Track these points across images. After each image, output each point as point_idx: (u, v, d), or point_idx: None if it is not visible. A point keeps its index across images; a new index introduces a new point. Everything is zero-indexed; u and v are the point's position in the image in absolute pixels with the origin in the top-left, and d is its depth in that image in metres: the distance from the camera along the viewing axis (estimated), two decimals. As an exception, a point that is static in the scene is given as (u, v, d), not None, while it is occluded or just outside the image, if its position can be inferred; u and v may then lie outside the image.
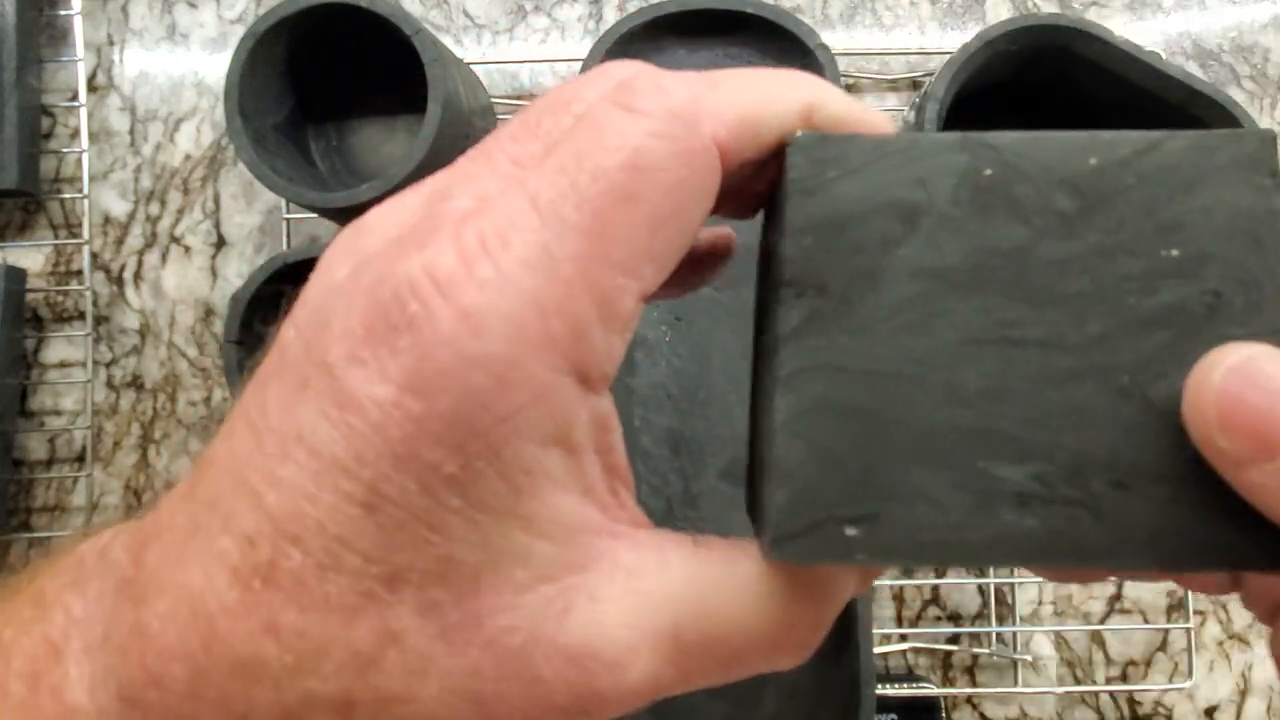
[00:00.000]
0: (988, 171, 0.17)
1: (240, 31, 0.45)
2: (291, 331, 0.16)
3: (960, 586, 0.52)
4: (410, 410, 0.14)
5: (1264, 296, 0.16)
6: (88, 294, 0.54)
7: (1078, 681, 0.52)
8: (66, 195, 0.55)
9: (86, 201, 0.54)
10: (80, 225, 0.54)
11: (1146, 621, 0.52)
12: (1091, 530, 0.16)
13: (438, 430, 0.14)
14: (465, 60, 0.52)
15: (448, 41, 0.55)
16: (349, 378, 0.14)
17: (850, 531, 0.16)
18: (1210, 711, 0.52)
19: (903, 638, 0.52)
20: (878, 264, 0.17)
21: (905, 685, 0.50)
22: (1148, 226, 0.16)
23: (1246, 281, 0.16)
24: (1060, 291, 0.16)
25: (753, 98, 0.17)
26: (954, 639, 0.52)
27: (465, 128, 0.46)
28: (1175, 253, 0.16)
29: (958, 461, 0.16)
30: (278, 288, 0.43)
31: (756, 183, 0.19)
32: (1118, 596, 0.52)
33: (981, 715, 0.52)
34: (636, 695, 0.16)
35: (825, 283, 0.17)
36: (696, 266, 0.22)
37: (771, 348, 0.17)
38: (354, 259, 0.16)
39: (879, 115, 0.19)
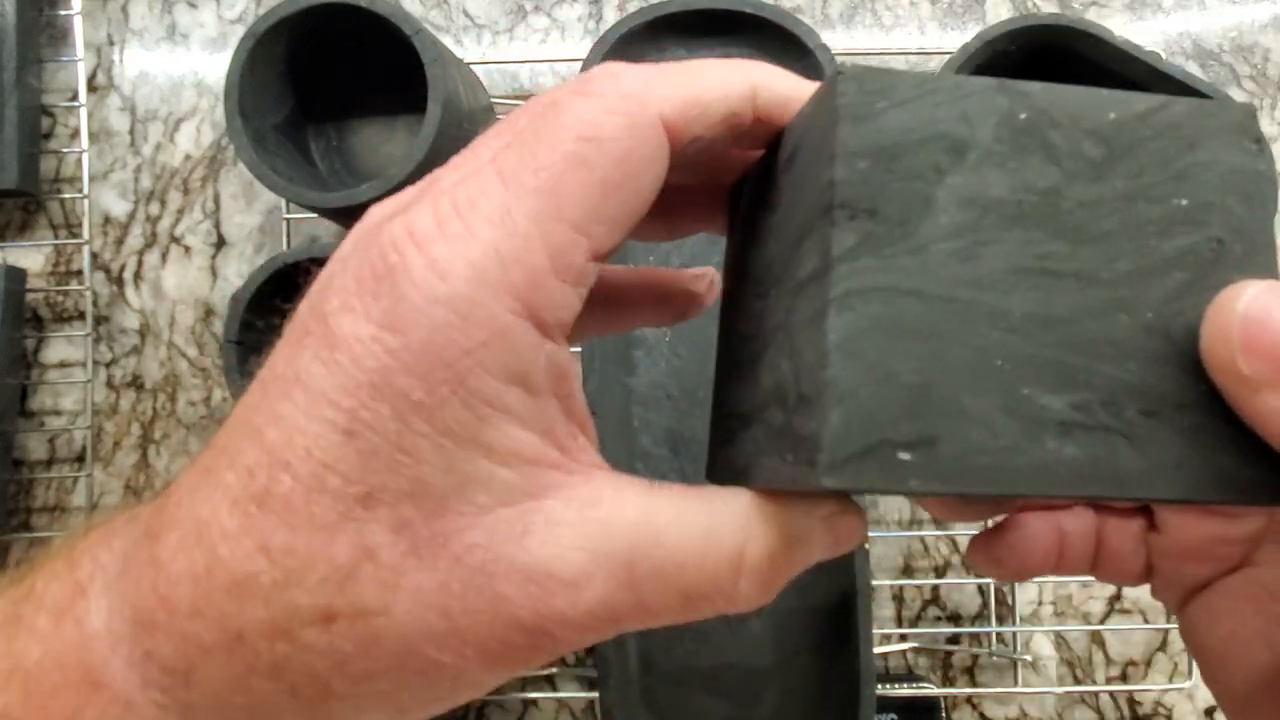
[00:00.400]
0: (1023, 115, 0.18)
1: (240, 31, 0.45)
2: (304, 303, 0.18)
3: (960, 586, 0.52)
4: (387, 343, 0.16)
5: (1256, 247, 0.18)
6: (88, 294, 0.54)
7: (1078, 681, 0.52)
8: (66, 195, 0.55)
9: (86, 201, 0.54)
10: (80, 225, 0.54)
11: (1146, 621, 0.52)
12: (1129, 458, 0.17)
13: (408, 360, 0.16)
14: (465, 60, 0.52)
15: (448, 41, 0.55)
16: (340, 323, 0.17)
17: (904, 456, 0.16)
18: (1210, 711, 0.52)
19: (903, 638, 0.52)
20: (929, 191, 0.17)
21: (905, 685, 0.50)
22: (1163, 175, 0.18)
23: (1242, 231, 0.18)
24: (1093, 230, 0.17)
25: (698, 81, 0.19)
26: (954, 639, 0.52)
27: (465, 128, 0.46)
28: (1185, 202, 0.17)
29: (1006, 387, 0.17)
30: (278, 288, 0.43)
31: (730, 159, 0.21)
32: (1118, 596, 0.52)
33: (981, 715, 0.52)
34: (594, 616, 0.17)
35: (878, 207, 0.17)
36: (672, 301, 0.25)
37: (813, 277, 0.17)
38: (356, 235, 0.18)
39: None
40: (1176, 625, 0.23)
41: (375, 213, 0.19)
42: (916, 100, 0.17)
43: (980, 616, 0.52)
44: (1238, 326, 0.16)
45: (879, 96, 0.17)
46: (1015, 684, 0.51)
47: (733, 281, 0.23)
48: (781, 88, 0.20)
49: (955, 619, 0.52)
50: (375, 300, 0.16)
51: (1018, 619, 0.51)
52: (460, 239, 0.16)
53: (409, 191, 0.19)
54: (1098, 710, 0.52)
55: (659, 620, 0.18)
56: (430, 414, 0.16)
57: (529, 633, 0.17)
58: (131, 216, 0.55)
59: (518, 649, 0.17)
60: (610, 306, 0.24)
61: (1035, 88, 0.18)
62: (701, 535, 0.18)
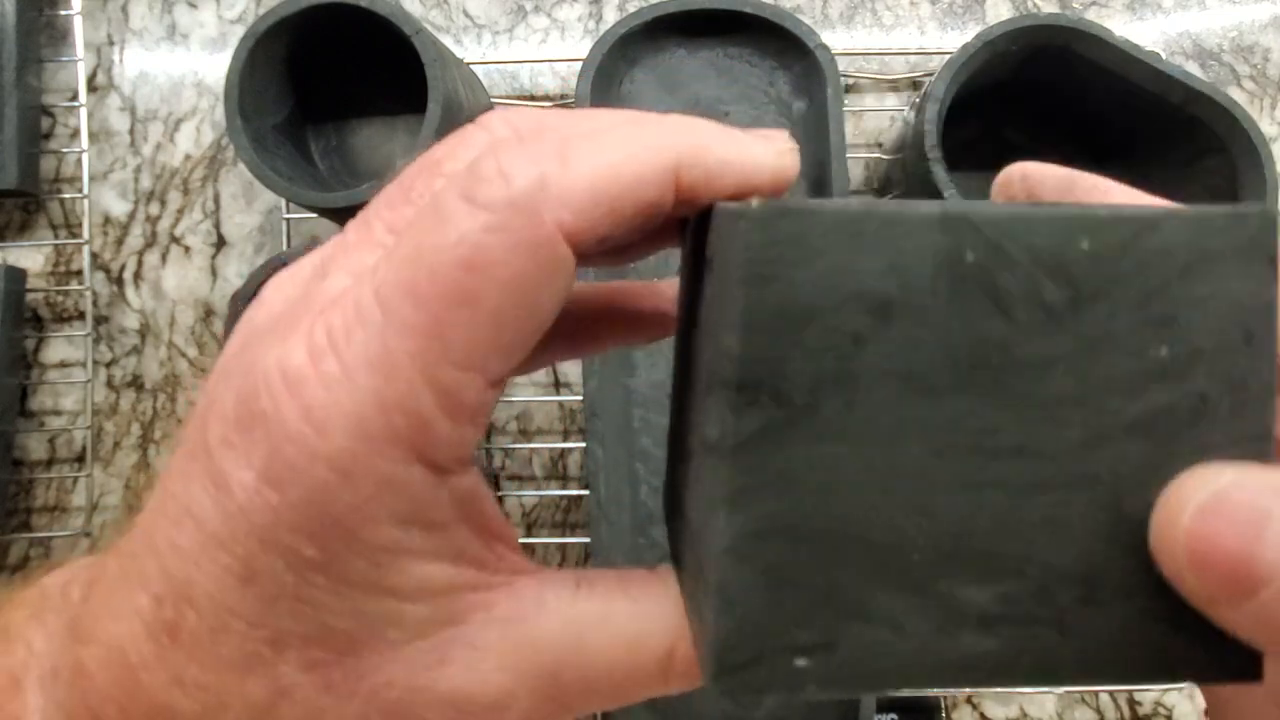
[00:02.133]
0: (970, 257, 0.15)
1: (240, 31, 0.45)
2: (201, 398, 0.17)
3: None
4: (268, 499, 0.15)
5: (1248, 398, 0.15)
6: (88, 294, 0.54)
7: (1078, 681, 0.52)
8: (66, 195, 0.55)
9: (86, 201, 0.54)
10: (80, 225, 0.54)
11: (1146, 621, 0.52)
12: (1055, 647, 0.15)
13: (293, 519, 0.15)
14: (465, 60, 0.52)
15: (448, 41, 0.55)
16: (223, 459, 0.16)
17: (800, 663, 0.15)
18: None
19: (903, 638, 0.52)
20: (844, 367, 0.15)
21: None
22: (1140, 320, 0.15)
23: (1234, 382, 0.15)
24: (1042, 394, 0.15)
25: (606, 169, 0.16)
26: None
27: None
28: (1165, 351, 0.15)
29: (922, 582, 0.15)
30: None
31: (651, 235, 0.19)
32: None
33: (981, 715, 0.52)
34: None
35: (781, 389, 0.15)
36: (644, 324, 0.23)
37: (711, 450, 0.16)
38: (245, 334, 0.17)
39: (762, 152, 0.18)
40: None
41: (266, 305, 0.17)
42: (836, 248, 0.14)
43: (980, 616, 0.52)
44: (1182, 541, 0.14)
45: (789, 247, 0.14)
46: (1015, 684, 0.51)
47: (682, 325, 0.20)
48: (715, 162, 0.17)
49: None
50: (253, 445, 0.15)
51: (1018, 619, 0.51)
52: (337, 383, 0.15)
53: (304, 271, 0.18)
54: (1098, 711, 0.52)
55: (584, 714, 0.18)
56: (325, 568, 0.15)
57: None
58: (131, 216, 0.55)
59: None
60: (578, 333, 0.22)
61: (992, 214, 0.15)
62: (628, 640, 0.17)
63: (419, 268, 0.15)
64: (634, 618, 0.17)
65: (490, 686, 0.17)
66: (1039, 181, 0.21)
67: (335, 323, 0.15)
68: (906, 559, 0.15)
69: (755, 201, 0.14)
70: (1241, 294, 0.15)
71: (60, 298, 0.55)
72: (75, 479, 0.54)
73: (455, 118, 0.44)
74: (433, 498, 0.16)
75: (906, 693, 0.15)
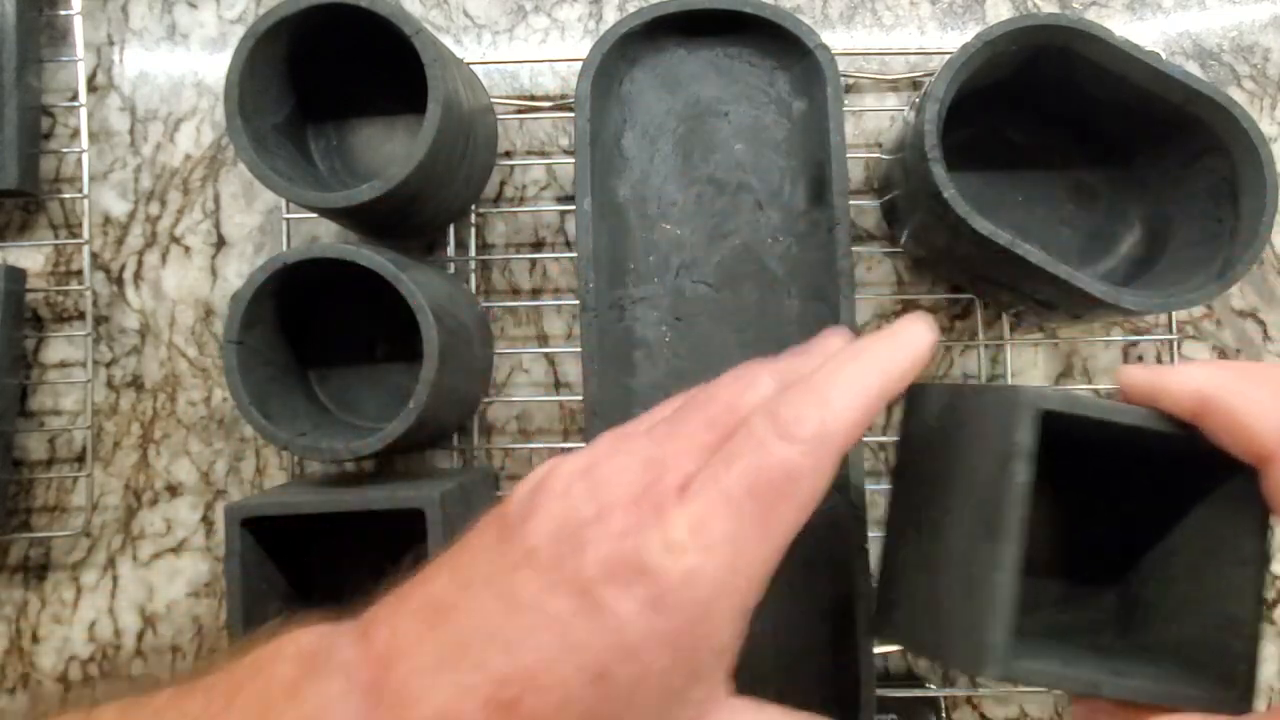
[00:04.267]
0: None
1: (240, 31, 0.45)
2: (539, 538, 0.24)
3: (960, 586, 0.52)
4: (652, 622, 0.22)
5: None
6: (88, 294, 0.54)
7: (1078, 681, 0.52)
8: (66, 195, 0.55)
9: (86, 201, 0.54)
10: (80, 225, 0.54)
11: (1146, 621, 0.52)
12: None
13: (663, 635, 0.22)
14: (465, 60, 0.52)
15: (448, 41, 0.55)
16: (604, 594, 0.22)
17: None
18: (1210, 711, 0.52)
19: (903, 638, 0.52)
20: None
21: (905, 685, 0.50)
22: None
23: None
24: None
25: (860, 400, 0.25)
26: (954, 639, 0.52)
27: (465, 128, 0.46)
28: None
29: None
30: (278, 288, 0.43)
31: None
32: (1118, 596, 0.52)
33: (981, 715, 0.52)
34: None
35: None
36: None
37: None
38: (598, 502, 0.24)
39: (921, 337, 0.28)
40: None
41: (612, 485, 0.24)
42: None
43: (980, 616, 0.52)
44: None
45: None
46: (1015, 684, 0.51)
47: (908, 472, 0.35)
48: (906, 370, 0.27)
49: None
50: (638, 588, 0.22)
51: (1018, 619, 0.51)
52: (705, 555, 0.23)
53: (634, 464, 0.25)
54: (1098, 710, 0.52)
55: None
56: (669, 674, 0.23)
57: None
58: (131, 216, 0.55)
59: None
60: None
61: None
62: None
63: (757, 479, 0.23)
64: None
65: None
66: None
67: (698, 512, 0.23)
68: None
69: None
70: None
71: (60, 298, 0.55)
72: (75, 479, 0.54)
73: (455, 118, 0.44)
74: (737, 634, 0.24)
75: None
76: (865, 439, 0.49)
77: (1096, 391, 0.53)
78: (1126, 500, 0.34)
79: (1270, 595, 0.52)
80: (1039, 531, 0.34)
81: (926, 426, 0.34)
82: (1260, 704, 0.28)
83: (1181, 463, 0.30)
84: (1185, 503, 0.32)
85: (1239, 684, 0.28)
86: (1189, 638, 0.31)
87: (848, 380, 0.25)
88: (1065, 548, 0.36)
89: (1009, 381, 0.52)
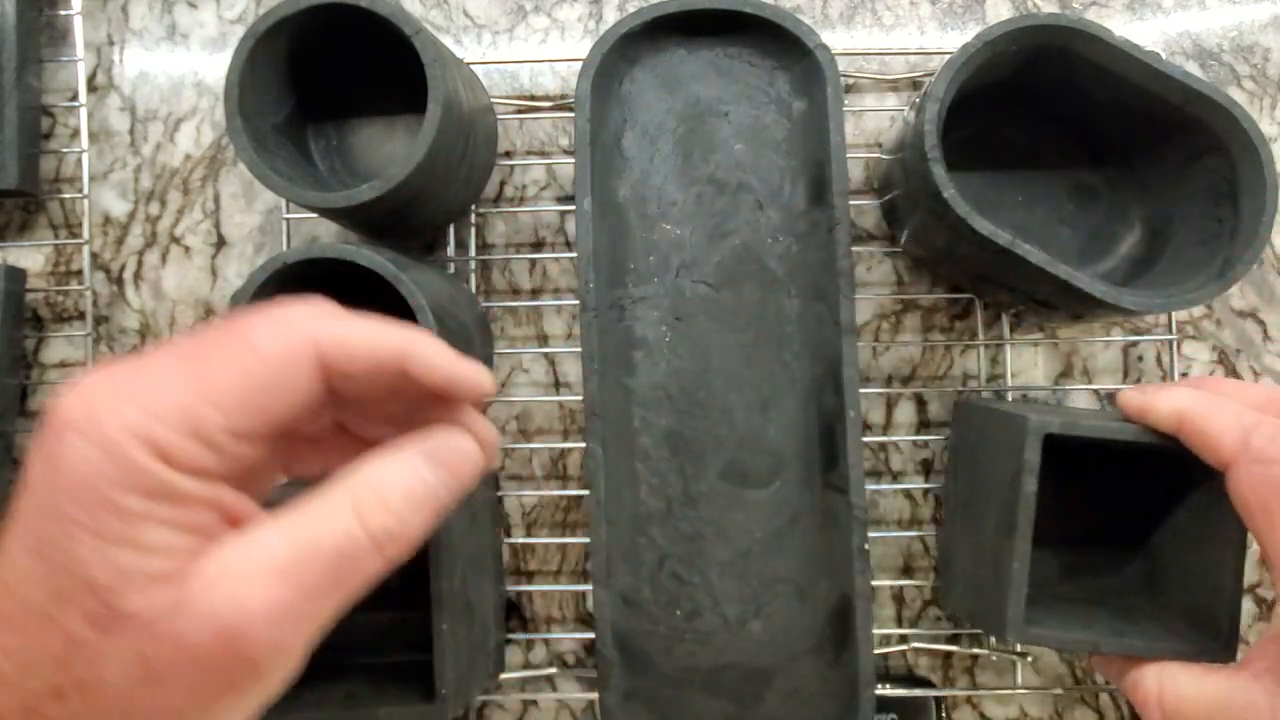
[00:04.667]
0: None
1: (240, 31, 0.45)
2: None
3: (960, 586, 0.52)
4: (52, 476, 0.21)
5: None
6: (88, 294, 0.54)
7: (1077, 681, 0.52)
8: (66, 195, 0.55)
9: (86, 201, 0.54)
10: (80, 225, 0.54)
11: (1146, 621, 0.52)
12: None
13: (69, 489, 0.21)
14: (465, 60, 0.52)
15: (448, 41, 0.55)
16: (26, 459, 0.22)
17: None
18: (1210, 711, 0.52)
19: (903, 638, 0.52)
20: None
21: (905, 685, 0.50)
22: None
23: None
24: None
25: (352, 330, 0.25)
26: (954, 639, 0.52)
27: (465, 128, 0.46)
28: None
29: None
30: (278, 288, 0.43)
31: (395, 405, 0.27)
32: (1118, 596, 0.52)
33: (981, 715, 0.52)
34: (269, 621, 0.22)
35: None
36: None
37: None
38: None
39: (472, 370, 0.26)
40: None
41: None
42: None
43: (980, 616, 0.52)
44: None
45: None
46: (1015, 683, 0.51)
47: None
48: (431, 363, 0.26)
49: (955, 619, 0.52)
50: (44, 440, 0.21)
51: (1018, 619, 0.51)
52: (121, 394, 0.22)
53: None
54: (1097, 710, 0.52)
55: (322, 604, 0.23)
56: (89, 528, 0.21)
57: (216, 659, 0.21)
58: (131, 216, 0.55)
59: (213, 668, 0.21)
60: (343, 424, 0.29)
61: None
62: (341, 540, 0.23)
63: (214, 345, 0.23)
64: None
65: (235, 583, 0.22)
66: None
67: (139, 362, 0.23)
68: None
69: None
70: None
71: (60, 298, 0.55)
72: (75, 479, 0.54)
73: (455, 118, 0.44)
74: (174, 484, 0.22)
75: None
76: (865, 439, 0.49)
77: (1096, 392, 0.53)
78: (1148, 489, 0.44)
79: (1254, 579, 0.52)
80: (1077, 513, 0.47)
81: (968, 438, 0.45)
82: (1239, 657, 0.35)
83: (1181, 463, 0.37)
84: (1185, 492, 0.42)
85: (1224, 638, 0.38)
86: (1190, 602, 0.40)
87: (367, 324, 0.25)
88: (1100, 526, 0.47)
89: (1009, 381, 0.52)
